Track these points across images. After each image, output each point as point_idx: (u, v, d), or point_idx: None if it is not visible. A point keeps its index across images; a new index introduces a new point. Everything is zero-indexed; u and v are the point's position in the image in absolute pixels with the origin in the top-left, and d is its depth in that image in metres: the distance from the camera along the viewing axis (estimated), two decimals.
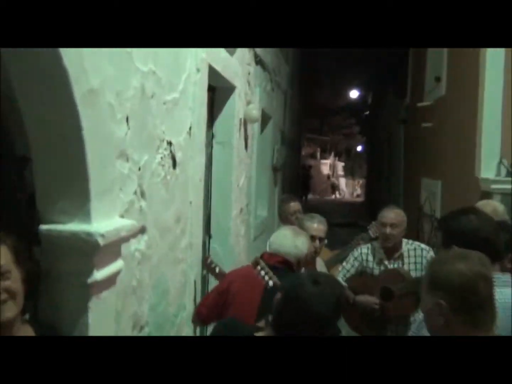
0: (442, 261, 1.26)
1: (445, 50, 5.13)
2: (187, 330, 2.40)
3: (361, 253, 2.92)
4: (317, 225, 2.63)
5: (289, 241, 2.06)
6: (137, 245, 1.73)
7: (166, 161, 2.03)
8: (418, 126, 6.32)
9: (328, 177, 28.01)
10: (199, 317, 2.20)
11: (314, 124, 23.57)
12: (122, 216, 1.55)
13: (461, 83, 4.57)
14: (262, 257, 2.10)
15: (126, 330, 1.66)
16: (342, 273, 2.95)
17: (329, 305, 1.30)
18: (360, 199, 22.80)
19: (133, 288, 1.71)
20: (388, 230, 2.74)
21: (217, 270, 2.56)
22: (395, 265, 2.79)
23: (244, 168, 3.91)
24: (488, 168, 3.79)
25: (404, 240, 2.86)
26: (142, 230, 1.76)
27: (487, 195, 3.73)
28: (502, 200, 3.60)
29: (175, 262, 2.20)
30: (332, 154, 29.38)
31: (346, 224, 9.91)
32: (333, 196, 26.08)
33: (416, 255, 2.79)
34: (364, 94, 18.22)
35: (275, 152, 5.72)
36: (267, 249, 3.35)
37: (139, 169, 1.72)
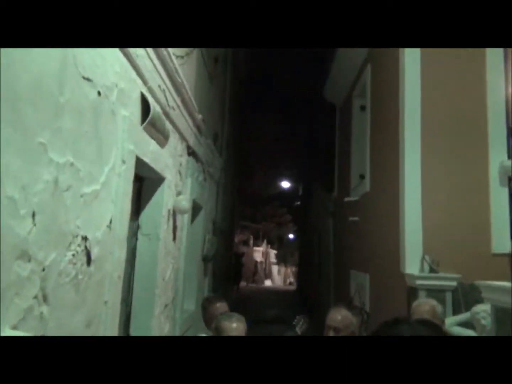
0: None
1: (368, 150, 5.51)
2: None
3: None
4: (236, 325, 2.45)
5: None
6: None
7: (79, 258, 1.84)
8: (345, 219, 6.55)
9: (261, 264, 27.95)
10: None
11: (248, 212, 23.97)
12: (14, 328, 1.32)
13: (383, 181, 4.85)
14: None
15: None
16: None
17: None
18: (293, 287, 22.75)
19: None
20: (331, 334, 2.55)
21: None
22: None
23: (172, 260, 3.73)
24: (412, 264, 3.90)
25: None
26: None
27: (414, 290, 3.80)
28: (428, 295, 3.67)
29: None
30: (265, 241, 29.65)
31: (273, 320, 9.64)
32: (266, 284, 25.85)
33: None
34: (295, 185, 19.05)
35: (206, 242, 5.60)
36: None
37: (43, 269, 1.52)
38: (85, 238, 1.88)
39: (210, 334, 3.10)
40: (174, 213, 3.72)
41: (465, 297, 3.66)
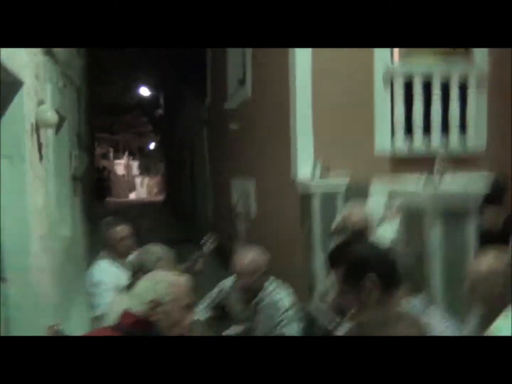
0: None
1: (249, 51, 5.16)
2: None
3: (225, 285, 2.55)
4: (162, 261, 2.16)
5: (143, 290, 1.57)
6: None
7: None
8: (223, 127, 6.31)
9: (123, 177, 26.85)
10: None
11: (105, 123, 22.16)
12: None
13: (268, 85, 4.64)
14: (121, 318, 1.56)
15: None
16: (206, 302, 2.57)
17: None
18: (160, 198, 22.48)
19: None
20: (237, 281, 2.33)
21: None
22: (249, 316, 2.37)
23: (40, 184, 3.11)
24: (302, 169, 3.89)
25: (268, 289, 2.36)
26: None
27: (306, 197, 3.84)
28: (322, 200, 3.75)
29: None
30: (126, 153, 28.25)
31: (177, 241, 8.95)
32: (131, 197, 25.13)
33: (271, 312, 2.31)
34: (156, 92, 17.89)
35: (73, 159, 4.90)
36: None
37: None
38: None
39: (106, 259, 2.75)
40: (37, 127, 3.04)
41: (354, 198, 3.82)
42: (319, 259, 3.84)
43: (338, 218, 3.48)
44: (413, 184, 2.44)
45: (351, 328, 1.04)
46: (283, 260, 3.11)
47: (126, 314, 1.54)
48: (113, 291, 2.62)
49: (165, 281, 1.58)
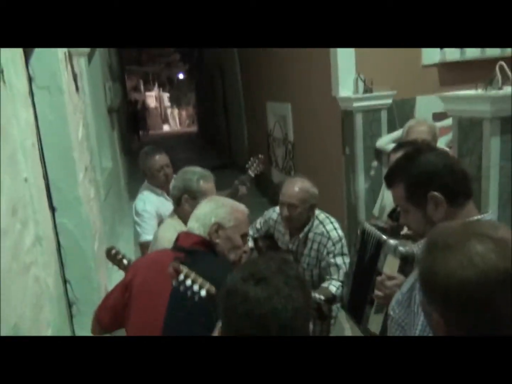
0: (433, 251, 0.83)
1: None
2: None
3: (270, 217, 2.52)
4: (210, 184, 2.13)
5: (206, 212, 1.56)
6: None
7: None
8: (256, 50, 6.03)
9: (156, 110, 26.81)
10: (101, 324, 1.60)
11: (132, 55, 21.77)
12: None
13: None
14: (177, 239, 1.57)
15: None
16: (252, 231, 2.57)
17: (284, 313, 0.87)
18: (193, 129, 22.47)
19: None
20: (285, 211, 2.27)
21: (125, 262, 1.94)
22: (295, 247, 2.38)
23: (80, 116, 3.10)
24: (345, 86, 3.69)
25: (317, 220, 2.33)
26: None
27: (348, 113, 3.67)
28: (364, 117, 3.58)
29: (22, 272, 1.50)
30: (156, 85, 27.96)
31: (221, 166, 8.88)
32: (165, 129, 25.24)
33: (320, 242, 2.30)
34: None
35: (108, 91, 4.85)
36: (135, 216, 2.79)
37: None
38: None
39: (148, 189, 2.77)
40: (70, 56, 2.96)
41: (398, 114, 3.63)
42: (362, 180, 3.75)
43: (395, 134, 3.31)
44: (469, 92, 2.24)
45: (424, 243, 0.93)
46: (324, 184, 3.03)
47: (186, 235, 1.55)
48: (157, 219, 2.69)
49: (228, 206, 1.57)
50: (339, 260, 2.26)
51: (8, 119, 1.52)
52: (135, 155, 9.91)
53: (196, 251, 1.48)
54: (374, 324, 1.81)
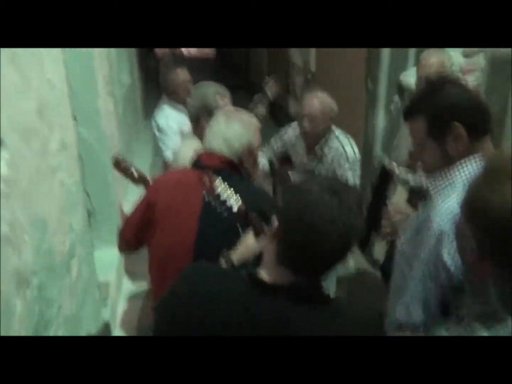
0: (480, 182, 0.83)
1: None
2: (79, 251, 1.86)
3: (286, 133, 2.53)
4: (226, 100, 2.09)
5: (221, 130, 1.53)
6: None
7: None
8: None
9: None
10: (126, 243, 1.65)
11: None
12: None
13: None
14: (199, 158, 1.57)
15: (10, 296, 1.10)
16: (268, 153, 2.59)
17: (358, 221, 0.92)
18: (211, 53, 21.69)
19: (6, 237, 1.10)
20: (305, 123, 2.26)
21: (134, 172, 1.90)
22: (314, 164, 2.40)
23: None
24: None
25: (333, 134, 2.36)
26: None
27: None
28: (391, 49, 3.44)
29: (49, 175, 1.54)
30: None
31: (236, 86, 8.64)
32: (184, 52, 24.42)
33: (335, 158, 2.32)
34: None
35: None
36: (157, 133, 2.75)
37: None
38: None
39: (168, 104, 2.73)
40: None
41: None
42: (382, 117, 3.69)
43: (410, 72, 3.21)
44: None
45: None
46: (343, 120, 2.99)
47: (210, 154, 1.53)
48: (178, 135, 2.66)
49: (252, 125, 1.56)
50: (349, 174, 2.30)
51: None
52: (151, 72, 9.62)
53: (224, 171, 1.47)
54: (379, 252, 1.88)
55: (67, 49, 2.46)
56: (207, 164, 1.50)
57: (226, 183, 1.27)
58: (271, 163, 2.63)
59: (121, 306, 2.81)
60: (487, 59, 2.28)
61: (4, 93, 1.14)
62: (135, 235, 1.60)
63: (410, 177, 1.80)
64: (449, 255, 1.10)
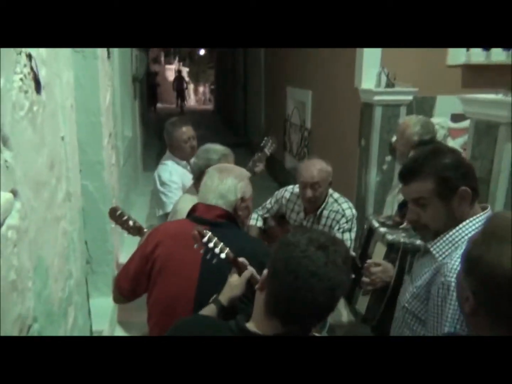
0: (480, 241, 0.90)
1: None
2: (76, 299, 1.90)
3: (282, 196, 2.64)
4: (229, 157, 2.21)
5: (216, 185, 1.63)
6: (9, 219, 1.14)
7: (28, 84, 1.36)
8: None
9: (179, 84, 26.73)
10: (122, 293, 1.66)
11: None
12: None
13: None
14: (194, 211, 1.66)
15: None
16: (262, 211, 2.68)
17: (342, 276, 0.97)
18: (210, 107, 22.45)
19: (12, 282, 1.16)
20: (308, 193, 2.35)
21: (130, 222, 1.94)
22: (310, 223, 2.50)
23: (108, 83, 3.19)
24: (367, 79, 3.74)
25: (331, 198, 2.46)
26: (14, 193, 1.18)
27: (368, 106, 3.73)
28: (383, 111, 3.64)
29: (54, 224, 1.62)
30: (177, 58, 27.84)
31: (237, 144, 9.01)
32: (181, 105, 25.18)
33: (334, 219, 2.44)
34: None
35: (134, 60, 4.92)
36: (158, 185, 2.84)
37: None
38: (29, 56, 1.38)
39: (172, 160, 2.83)
40: None
41: (417, 111, 3.68)
42: (374, 173, 3.83)
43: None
44: (489, 96, 2.30)
45: None
46: (336, 175, 3.10)
47: (207, 207, 1.62)
48: (181, 190, 2.74)
49: (244, 176, 1.66)
50: (346, 235, 2.39)
51: (52, 78, 1.61)
52: (150, 126, 9.89)
53: (221, 223, 1.56)
54: (361, 305, 1.94)
55: (78, 107, 2.61)
56: (202, 217, 1.59)
57: (219, 235, 1.35)
58: (265, 220, 2.71)
59: None
60: (473, 123, 2.42)
61: (20, 149, 1.25)
62: (131, 286, 1.63)
63: (388, 231, 1.90)
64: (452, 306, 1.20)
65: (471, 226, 1.29)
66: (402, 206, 2.02)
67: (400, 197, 2.59)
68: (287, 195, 2.61)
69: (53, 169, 1.60)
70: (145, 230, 1.93)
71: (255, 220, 2.70)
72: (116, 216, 1.97)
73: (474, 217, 1.30)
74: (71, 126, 1.85)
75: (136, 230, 1.94)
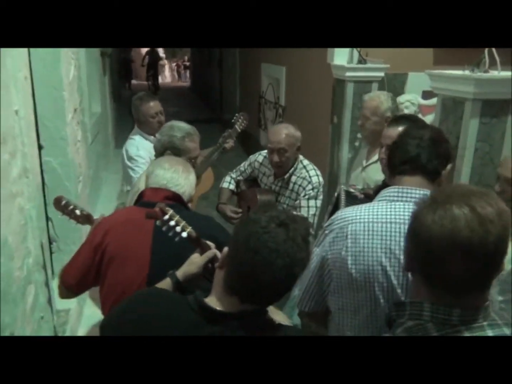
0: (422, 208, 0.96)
1: None
2: (36, 277, 1.85)
3: (256, 160, 2.63)
4: (196, 139, 2.16)
5: (180, 173, 1.62)
6: None
7: None
8: None
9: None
10: (67, 286, 1.58)
11: None
12: None
13: None
14: (142, 195, 1.62)
15: None
16: (235, 174, 2.69)
17: (302, 253, 0.97)
18: (185, 83, 22.05)
19: None
20: (275, 157, 2.34)
21: (77, 211, 1.82)
22: (278, 187, 2.51)
23: (72, 56, 3.07)
24: (340, 55, 3.71)
25: (301, 164, 2.45)
26: None
27: (340, 82, 3.70)
28: (355, 87, 3.62)
29: (8, 200, 1.56)
30: None
31: (206, 120, 9.00)
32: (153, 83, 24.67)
33: (300, 185, 2.42)
34: None
35: None
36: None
37: None
38: None
39: (140, 135, 2.77)
40: None
41: (388, 88, 3.68)
42: (346, 150, 3.83)
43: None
44: (455, 72, 2.30)
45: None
46: (310, 151, 3.09)
47: (154, 190, 1.60)
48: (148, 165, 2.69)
49: (191, 173, 1.69)
50: (312, 202, 2.39)
51: (4, 52, 1.54)
52: (124, 103, 9.69)
53: (171, 205, 1.47)
54: None
55: (38, 81, 2.51)
56: (152, 201, 1.53)
57: (179, 214, 1.32)
58: (238, 183, 2.72)
59: (81, 332, 2.76)
60: (440, 100, 2.43)
61: None
62: (78, 280, 1.56)
63: (348, 201, 1.93)
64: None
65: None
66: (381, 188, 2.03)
67: (364, 175, 2.60)
68: (260, 158, 2.61)
69: (6, 143, 1.53)
70: (94, 218, 1.84)
71: (228, 183, 2.70)
72: (62, 206, 1.83)
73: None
74: (26, 99, 1.77)
75: (84, 219, 1.83)
